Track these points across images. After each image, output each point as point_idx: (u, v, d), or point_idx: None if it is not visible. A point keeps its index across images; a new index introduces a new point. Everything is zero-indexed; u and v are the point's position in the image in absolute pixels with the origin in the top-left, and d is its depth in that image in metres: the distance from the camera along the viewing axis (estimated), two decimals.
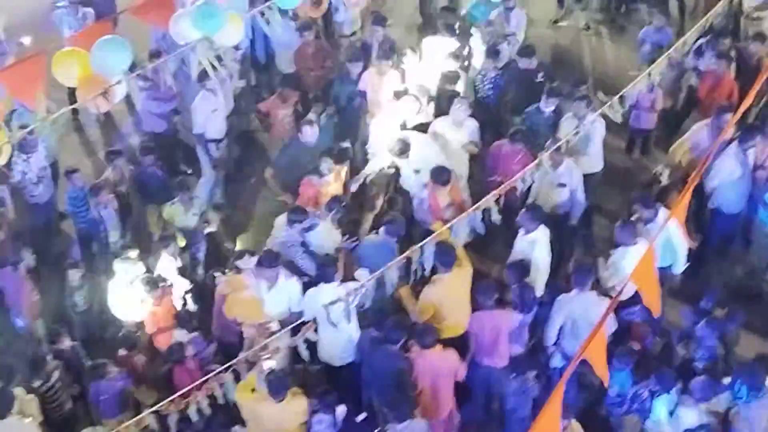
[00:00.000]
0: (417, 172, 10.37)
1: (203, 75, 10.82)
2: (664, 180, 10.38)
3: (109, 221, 10.34)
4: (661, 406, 8.53)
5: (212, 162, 11.31)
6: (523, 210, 9.57)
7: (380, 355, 8.64)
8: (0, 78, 9.31)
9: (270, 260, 8.93)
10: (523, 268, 9.29)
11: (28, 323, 9.62)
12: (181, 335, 9.19)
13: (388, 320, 8.77)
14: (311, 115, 11.22)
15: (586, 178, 10.45)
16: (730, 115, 10.12)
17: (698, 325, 9.02)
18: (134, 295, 9.50)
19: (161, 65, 9.76)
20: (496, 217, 9.05)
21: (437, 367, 8.65)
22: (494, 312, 8.95)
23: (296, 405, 8.22)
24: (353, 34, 12.74)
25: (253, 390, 8.19)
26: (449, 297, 9.04)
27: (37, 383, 8.77)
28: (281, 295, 8.93)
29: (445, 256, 8.93)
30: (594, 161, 10.79)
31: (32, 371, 8.80)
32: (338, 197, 9.94)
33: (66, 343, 9.13)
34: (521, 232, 9.59)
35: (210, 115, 11.07)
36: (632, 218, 9.61)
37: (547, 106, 10.90)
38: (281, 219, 9.74)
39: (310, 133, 10.54)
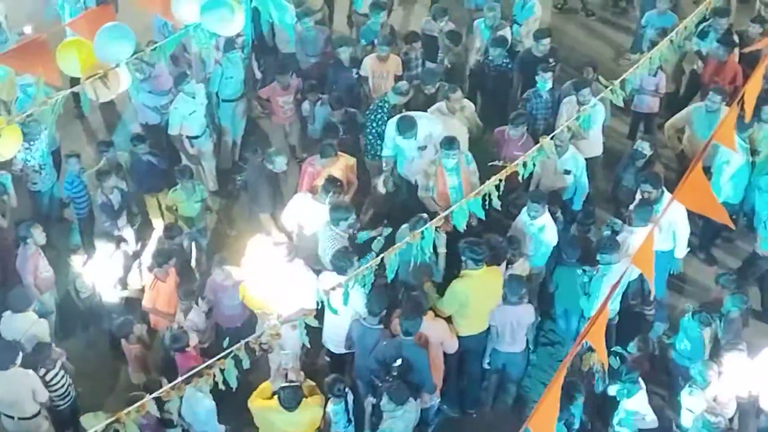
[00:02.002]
0: (422, 148, 10.32)
1: (181, 77, 10.99)
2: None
3: (117, 205, 10.38)
4: None
5: (188, 158, 11.26)
6: (530, 197, 9.56)
7: (368, 338, 8.66)
8: (5, 61, 9.36)
9: (288, 253, 8.92)
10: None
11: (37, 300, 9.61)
12: (180, 318, 9.25)
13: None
14: (306, 104, 11.24)
15: (587, 162, 10.44)
16: (720, 98, 10.19)
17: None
18: (113, 269, 9.59)
19: (160, 55, 9.74)
20: (496, 203, 9.02)
21: (424, 336, 8.67)
22: (517, 307, 8.98)
23: (309, 413, 8.21)
24: (365, 15, 12.64)
25: (268, 397, 8.21)
26: (477, 294, 8.93)
27: (41, 371, 8.79)
28: (294, 286, 8.86)
29: (477, 253, 8.85)
30: (594, 145, 10.78)
31: (37, 358, 8.81)
32: (334, 179, 9.82)
33: None
34: (526, 218, 9.58)
35: (187, 117, 11.05)
36: (640, 197, 9.63)
37: (545, 88, 10.91)
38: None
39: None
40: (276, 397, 8.12)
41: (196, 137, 11.25)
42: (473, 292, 8.91)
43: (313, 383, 8.55)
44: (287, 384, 8.14)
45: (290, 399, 8.03)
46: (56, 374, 8.88)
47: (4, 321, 9.19)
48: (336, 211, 9.41)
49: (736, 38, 11.63)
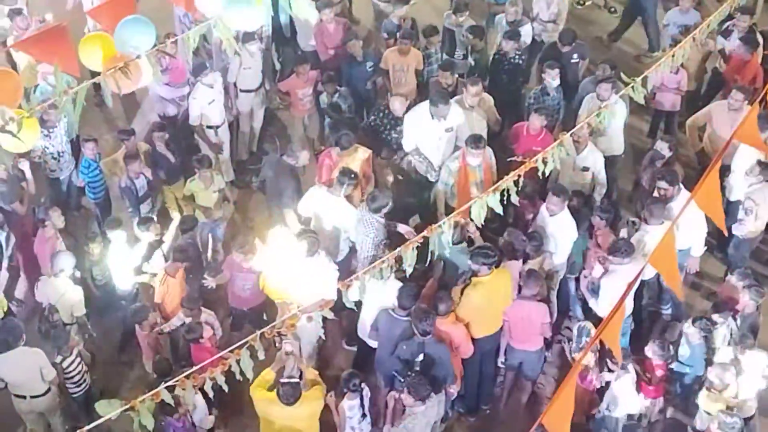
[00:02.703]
0: (449, 130, 10.33)
1: (200, 68, 10.99)
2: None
3: (141, 191, 10.45)
4: None
5: (210, 147, 11.27)
6: (550, 193, 9.52)
7: (395, 329, 8.65)
8: (25, 48, 9.39)
9: (311, 246, 8.92)
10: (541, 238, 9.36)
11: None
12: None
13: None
14: (324, 96, 11.25)
15: (607, 160, 10.39)
16: (743, 96, 10.08)
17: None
18: (132, 259, 9.65)
19: (185, 48, 9.75)
20: (515, 198, 9.00)
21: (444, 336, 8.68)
22: (531, 303, 8.96)
23: (308, 407, 8.18)
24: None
25: (269, 389, 8.19)
26: (490, 299, 8.89)
27: (58, 359, 8.86)
28: (316, 279, 8.81)
29: (488, 257, 8.78)
30: (614, 143, 10.71)
31: (54, 345, 8.87)
32: (349, 171, 9.80)
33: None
34: (545, 213, 9.55)
35: (206, 107, 11.06)
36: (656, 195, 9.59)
37: (553, 83, 10.91)
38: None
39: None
40: (275, 391, 8.10)
41: (217, 126, 11.26)
42: (486, 299, 8.86)
43: (316, 371, 8.51)
44: (287, 380, 8.07)
45: (289, 395, 8.01)
46: (72, 361, 8.94)
47: (40, 284, 9.40)
48: (375, 201, 9.40)
49: (759, 38, 11.53)
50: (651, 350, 8.80)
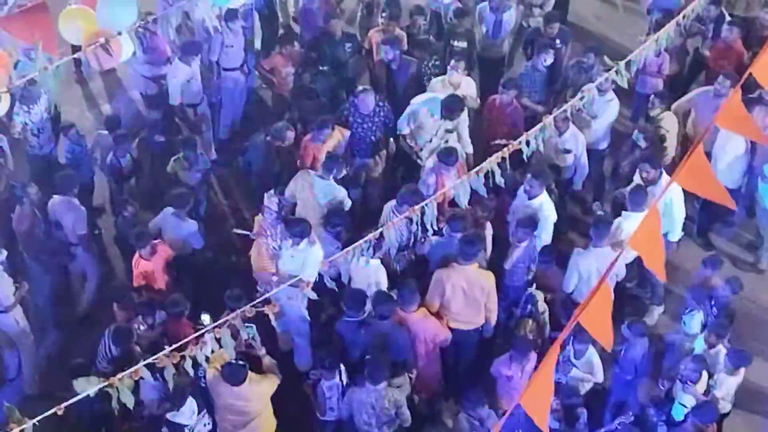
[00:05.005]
0: (450, 131, 10.34)
1: (193, 47, 10.97)
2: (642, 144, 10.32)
3: (126, 170, 10.43)
4: None
5: (189, 126, 11.20)
6: (529, 176, 9.48)
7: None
8: (4, 26, 9.29)
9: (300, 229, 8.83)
10: (533, 222, 9.30)
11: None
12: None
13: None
14: (307, 75, 11.19)
15: (589, 152, 10.42)
16: (729, 82, 10.08)
17: None
18: None
19: (162, 24, 9.68)
20: (499, 180, 9.00)
21: (417, 331, 8.67)
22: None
23: (256, 388, 8.14)
24: None
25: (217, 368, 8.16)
26: (462, 288, 8.80)
27: None
28: (299, 256, 8.80)
29: (471, 247, 8.74)
30: (599, 136, 10.71)
31: None
32: (335, 155, 9.80)
33: None
34: (523, 196, 9.54)
35: (185, 85, 10.96)
36: (638, 178, 9.63)
37: (543, 63, 10.95)
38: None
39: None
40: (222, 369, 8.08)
41: (197, 105, 11.20)
42: (458, 287, 8.76)
43: (274, 361, 8.43)
44: (233, 362, 8.01)
45: (232, 376, 7.99)
46: None
47: (51, 203, 9.65)
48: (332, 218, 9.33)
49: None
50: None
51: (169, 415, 8.07)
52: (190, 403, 8.09)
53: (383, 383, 8.15)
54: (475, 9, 12.12)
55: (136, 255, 9.30)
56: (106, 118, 11.22)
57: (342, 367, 8.47)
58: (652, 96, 10.74)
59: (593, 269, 8.95)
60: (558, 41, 11.50)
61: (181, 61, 10.92)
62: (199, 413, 8.19)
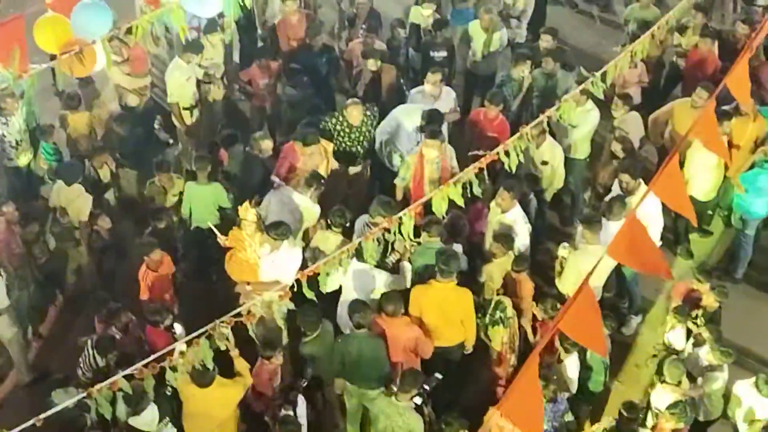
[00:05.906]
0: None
1: (197, 47, 10.95)
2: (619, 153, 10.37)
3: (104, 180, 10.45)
4: None
5: (185, 129, 11.22)
6: (501, 189, 9.41)
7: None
8: None
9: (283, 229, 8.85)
10: (510, 240, 9.22)
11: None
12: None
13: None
14: (288, 88, 11.20)
15: (568, 162, 10.46)
16: (707, 94, 10.14)
17: None
18: None
19: (143, 35, 9.70)
20: (477, 191, 9.03)
21: (394, 336, 8.53)
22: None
23: (222, 394, 8.09)
24: None
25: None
26: (439, 306, 8.66)
27: None
28: (279, 261, 8.82)
29: (447, 265, 8.54)
30: (578, 148, 10.75)
31: None
32: (318, 174, 9.76)
33: None
34: (497, 210, 9.49)
35: (184, 84, 10.98)
36: (617, 188, 9.68)
37: (517, 73, 11.02)
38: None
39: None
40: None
41: (193, 107, 11.19)
42: (435, 304, 8.63)
43: (247, 365, 8.32)
44: (200, 364, 7.93)
45: (199, 377, 7.92)
46: None
47: (54, 189, 9.95)
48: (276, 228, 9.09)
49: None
50: None
51: (130, 420, 8.01)
52: (152, 409, 8.03)
53: None
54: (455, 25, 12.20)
55: (143, 267, 9.27)
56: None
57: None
58: (615, 97, 10.73)
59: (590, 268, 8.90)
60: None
61: (180, 59, 10.93)
62: (161, 421, 8.13)
